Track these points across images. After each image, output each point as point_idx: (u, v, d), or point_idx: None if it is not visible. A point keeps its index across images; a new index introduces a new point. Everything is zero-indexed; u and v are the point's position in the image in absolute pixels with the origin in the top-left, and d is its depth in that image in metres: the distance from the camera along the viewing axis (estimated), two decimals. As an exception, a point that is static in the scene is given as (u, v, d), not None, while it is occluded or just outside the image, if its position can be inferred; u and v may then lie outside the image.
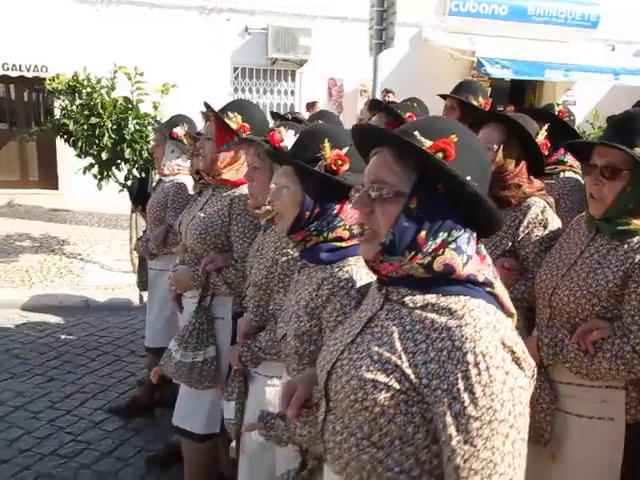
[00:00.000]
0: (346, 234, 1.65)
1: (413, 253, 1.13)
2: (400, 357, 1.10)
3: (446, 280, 1.14)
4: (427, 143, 1.12)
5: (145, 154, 5.87)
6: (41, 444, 3.38)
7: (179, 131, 3.50)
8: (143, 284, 3.87)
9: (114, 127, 5.86)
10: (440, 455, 1.08)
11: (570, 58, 11.14)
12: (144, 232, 3.94)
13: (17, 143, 10.68)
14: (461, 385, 1.02)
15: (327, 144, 1.62)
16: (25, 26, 9.13)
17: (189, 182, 3.45)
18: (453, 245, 1.14)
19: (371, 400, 1.11)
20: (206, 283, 2.50)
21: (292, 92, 11.39)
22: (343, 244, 1.65)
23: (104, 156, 5.97)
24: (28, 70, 9.23)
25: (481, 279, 1.14)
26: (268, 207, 2.06)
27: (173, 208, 3.41)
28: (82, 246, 7.74)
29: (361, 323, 1.24)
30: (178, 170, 3.56)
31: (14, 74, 9.23)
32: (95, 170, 6.33)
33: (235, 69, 11.01)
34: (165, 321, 3.51)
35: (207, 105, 2.62)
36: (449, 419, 1.03)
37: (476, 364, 1.02)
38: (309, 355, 1.63)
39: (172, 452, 3.11)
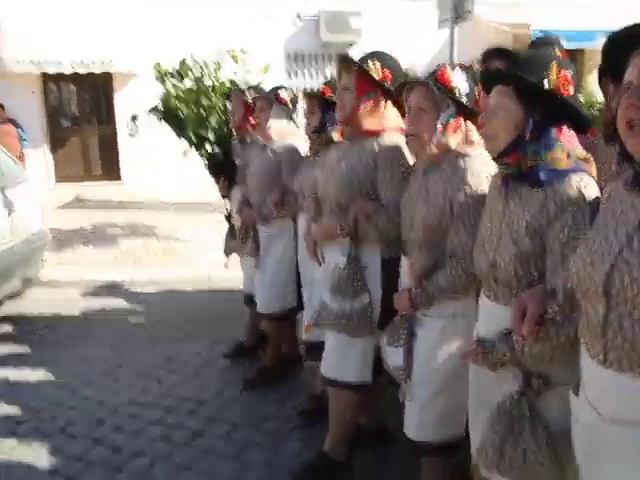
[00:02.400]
0: (564, 156, 1.63)
1: None
2: None
3: None
4: None
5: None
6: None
7: (284, 94, 3.58)
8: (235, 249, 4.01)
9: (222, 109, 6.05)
10: None
11: (618, 24, 11.26)
12: (248, 202, 3.77)
13: (80, 139, 10.90)
14: None
15: (554, 65, 1.63)
16: (87, 23, 9.31)
17: (298, 145, 3.53)
18: None
19: None
20: (355, 231, 2.50)
21: (344, 74, 11.54)
22: (562, 164, 1.63)
23: (211, 137, 6.16)
24: (94, 64, 9.40)
25: None
26: (435, 150, 2.11)
27: (288, 170, 3.46)
28: (171, 230, 7.94)
29: (629, 225, 1.24)
30: (286, 134, 3.60)
31: (82, 70, 9.41)
32: (193, 151, 6.52)
33: (288, 55, 11.17)
34: (280, 285, 3.56)
35: (345, 57, 2.62)
36: None
37: None
38: (528, 277, 1.64)
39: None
